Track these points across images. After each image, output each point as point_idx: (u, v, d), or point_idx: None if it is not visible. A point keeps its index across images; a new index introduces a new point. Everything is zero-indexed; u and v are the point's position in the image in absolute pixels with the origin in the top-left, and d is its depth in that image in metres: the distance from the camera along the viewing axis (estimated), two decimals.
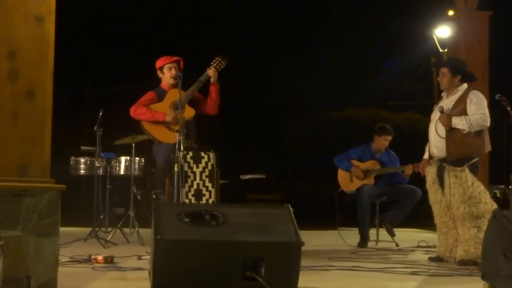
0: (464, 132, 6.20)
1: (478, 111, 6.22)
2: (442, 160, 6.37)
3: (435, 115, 6.46)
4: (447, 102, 6.40)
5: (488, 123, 6.25)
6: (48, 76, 3.88)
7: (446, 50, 14.59)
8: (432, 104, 6.78)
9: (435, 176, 6.47)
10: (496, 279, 4.34)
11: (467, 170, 6.22)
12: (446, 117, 6.23)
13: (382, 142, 8.44)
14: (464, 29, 9.47)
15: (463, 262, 6.05)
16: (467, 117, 6.19)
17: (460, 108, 6.28)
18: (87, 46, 20.82)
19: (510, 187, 6.63)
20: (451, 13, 9.80)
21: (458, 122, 6.20)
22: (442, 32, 17.01)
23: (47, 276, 3.75)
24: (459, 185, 6.20)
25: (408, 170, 7.99)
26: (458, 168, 6.22)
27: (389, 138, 8.48)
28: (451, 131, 6.23)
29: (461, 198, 6.18)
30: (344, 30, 22.26)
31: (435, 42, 17.94)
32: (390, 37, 21.93)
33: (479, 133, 6.28)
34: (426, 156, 6.73)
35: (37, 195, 3.72)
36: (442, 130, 6.29)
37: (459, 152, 6.23)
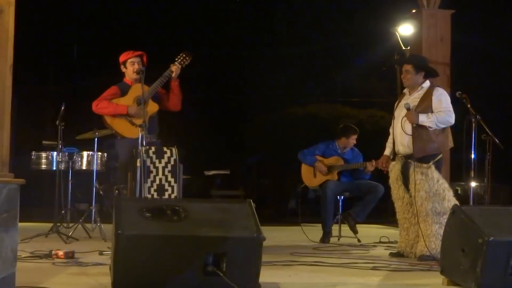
0: (431, 129, 6.26)
1: (444, 108, 6.27)
2: (407, 157, 6.42)
3: (400, 112, 6.48)
4: (411, 99, 6.43)
5: (453, 120, 6.31)
6: (7, 69, 3.83)
7: (408, 47, 14.70)
8: (396, 101, 6.82)
9: (399, 172, 6.51)
10: (454, 273, 4.41)
11: (433, 167, 6.27)
12: (413, 115, 6.27)
13: (350, 141, 8.52)
14: (427, 27, 9.55)
15: (423, 258, 6.12)
16: (433, 114, 6.24)
17: (425, 105, 6.31)
18: (50, 40, 20.60)
19: (470, 183, 6.73)
20: (413, 11, 9.87)
21: (425, 120, 6.24)
22: (405, 29, 17.15)
23: (5, 271, 3.71)
24: (425, 181, 6.24)
25: (370, 166, 8.05)
26: (424, 165, 6.27)
27: (356, 136, 8.56)
28: (418, 128, 6.27)
29: (426, 195, 6.23)
30: (308, 26, 22.36)
31: (398, 40, 18.08)
32: (353, 34, 22.06)
33: (443, 130, 6.34)
34: (387, 152, 6.78)
35: None
36: (408, 127, 6.33)
37: (426, 149, 6.28)
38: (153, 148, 6.31)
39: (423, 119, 6.25)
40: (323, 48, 22.49)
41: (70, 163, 8.17)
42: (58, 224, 7.63)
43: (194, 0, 21.33)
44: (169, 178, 6.28)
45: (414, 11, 9.86)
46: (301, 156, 8.54)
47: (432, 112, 6.27)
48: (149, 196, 6.13)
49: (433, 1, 9.49)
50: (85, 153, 8.33)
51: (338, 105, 23.23)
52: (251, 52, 22.86)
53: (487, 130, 6.61)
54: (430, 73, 6.59)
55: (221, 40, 22.21)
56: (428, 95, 6.37)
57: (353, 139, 8.53)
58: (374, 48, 21.55)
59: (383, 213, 11.44)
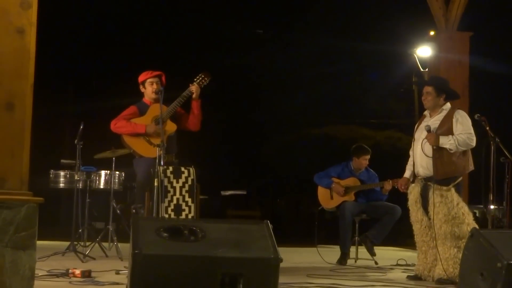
0: (451, 151, 6.23)
1: (464, 131, 6.25)
2: (427, 179, 6.38)
3: (420, 134, 6.46)
4: (432, 121, 6.41)
5: (474, 143, 6.28)
6: (28, 88, 3.87)
7: (427, 69, 14.69)
8: (413, 123, 6.79)
9: (418, 195, 6.47)
10: None
11: (453, 190, 6.23)
12: (434, 137, 6.25)
13: (362, 162, 8.48)
14: (445, 49, 9.55)
15: (441, 281, 6.07)
16: (454, 137, 6.22)
17: (445, 127, 6.30)
18: (69, 59, 20.77)
19: (488, 206, 6.67)
20: (432, 33, 9.87)
21: (446, 142, 6.22)
22: (423, 51, 17.15)
23: None
24: (444, 204, 6.20)
25: (387, 185, 8.00)
26: (444, 188, 6.23)
27: (368, 157, 8.52)
28: (438, 151, 6.24)
29: (445, 218, 6.18)
30: (326, 48, 22.37)
31: (416, 62, 18.06)
32: (371, 56, 22.05)
33: (464, 152, 6.31)
34: (407, 174, 6.74)
35: (14, 207, 3.69)
36: (428, 149, 6.31)
37: (447, 171, 6.25)
38: (170, 168, 6.33)
39: (443, 141, 6.22)
40: (341, 69, 22.50)
41: (88, 182, 8.21)
42: (75, 242, 7.64)
43: (213, 21, 21.43)
44: (187, 198, 6.29)
45: (432, 33, 9.85)
46: (317, 179, 8.51)
47: (453, 134, 6.25)
48: (166, 216, 6.14)
49: (451, 23, 9.49)
50: (103, 172, 8.38)
51: (355, 126, 23.17)
52: (269, 72, 22.91)
53: (506, 152, 6.57)
54: (451, 95, 6.58)
55: (238, 61, 22.28)
56: (449, 117, 6.35)
57: (364, 159, 8.49)
58: (392, 69, 21.54)
59: (400, 235, 11.36)
